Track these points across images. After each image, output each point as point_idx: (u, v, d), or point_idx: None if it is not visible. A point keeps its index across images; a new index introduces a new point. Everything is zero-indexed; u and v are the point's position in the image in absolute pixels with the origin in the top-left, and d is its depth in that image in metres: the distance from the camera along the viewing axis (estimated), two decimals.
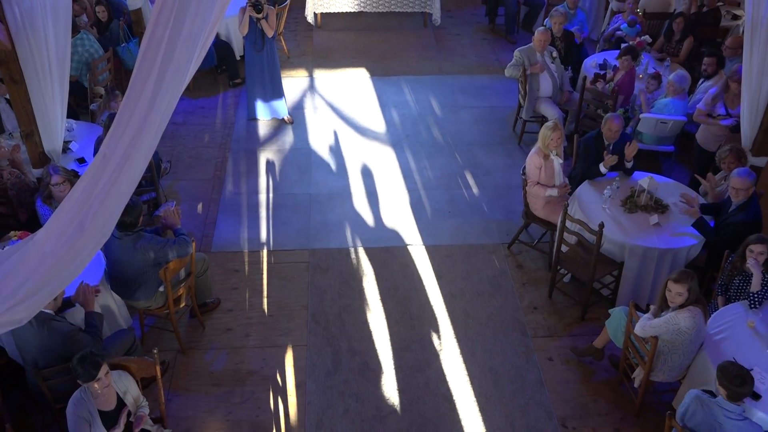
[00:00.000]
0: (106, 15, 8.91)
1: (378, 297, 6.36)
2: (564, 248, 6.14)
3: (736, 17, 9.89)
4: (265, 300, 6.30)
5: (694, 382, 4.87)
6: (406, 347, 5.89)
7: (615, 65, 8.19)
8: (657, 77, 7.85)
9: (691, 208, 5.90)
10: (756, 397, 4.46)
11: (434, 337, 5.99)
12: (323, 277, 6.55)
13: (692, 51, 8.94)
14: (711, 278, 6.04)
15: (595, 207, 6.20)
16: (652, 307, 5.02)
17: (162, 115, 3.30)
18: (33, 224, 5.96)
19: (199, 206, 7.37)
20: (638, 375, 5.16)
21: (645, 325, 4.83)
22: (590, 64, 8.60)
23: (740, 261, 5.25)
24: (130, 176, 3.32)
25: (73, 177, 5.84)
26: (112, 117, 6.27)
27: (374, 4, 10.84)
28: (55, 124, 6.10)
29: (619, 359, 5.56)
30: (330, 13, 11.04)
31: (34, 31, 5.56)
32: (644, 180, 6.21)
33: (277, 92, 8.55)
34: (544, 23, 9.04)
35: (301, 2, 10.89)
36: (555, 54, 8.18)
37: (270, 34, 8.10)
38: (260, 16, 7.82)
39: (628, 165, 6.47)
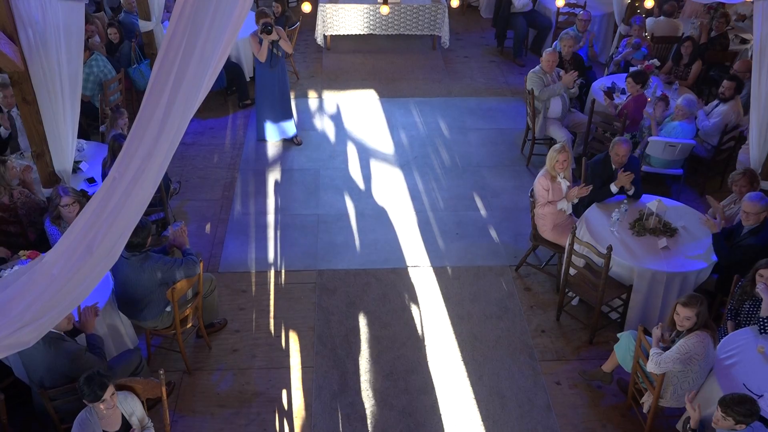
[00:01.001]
0: (117, 36, 9.02)
1: (385, 319, 6.34)
2: (572, 271, 6.11)
3: (744, 41, 9.92)
4: (272, 321, 6.29)
5: (703, 407, 4.81)
6: (413, 369, 5.85)
7: (623, 88, 8.21)
8: (664, 99, 7.86)
9: (714, 220, 5.87)
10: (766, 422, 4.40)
11: (441, 359, 5.96)
12: (330, 299, 6.54)
13: (700, 74, 8.96)
14: (721, 303, 5.99)
15: (603, 230, 6.18)
16: (655, 330, 4.95)
17: (172, 139, 3.32)
18: (42, 244, 5.99)
19: (207, 226, 7.39)
20: (647, 400, 5.10)
21: (659, 361, 4.75)
22: (599, 87, 8.62)
23: (750, 285, 5.21)
24: (139, 199, 3.34)
25: (82, 197, 5.87)
26: (116, 138, 6.35)
27: (383, 27, 10.93)
28: (65, 144, 6.14)
29: (627, 384, 5.50)
30: (339, 35, 11.13)
31: (46, 53, 5.62)
32: (653, 203, 6.19)
33: (287, 113, 8.61)
34: (553, 45, 9.09)
35: (310, 25, 11.00)
36: (562, 74, 8.20)
37: (289, 50, 8.17)
38: (274, 38, 7.89)
39: (629, 192, 6.46)
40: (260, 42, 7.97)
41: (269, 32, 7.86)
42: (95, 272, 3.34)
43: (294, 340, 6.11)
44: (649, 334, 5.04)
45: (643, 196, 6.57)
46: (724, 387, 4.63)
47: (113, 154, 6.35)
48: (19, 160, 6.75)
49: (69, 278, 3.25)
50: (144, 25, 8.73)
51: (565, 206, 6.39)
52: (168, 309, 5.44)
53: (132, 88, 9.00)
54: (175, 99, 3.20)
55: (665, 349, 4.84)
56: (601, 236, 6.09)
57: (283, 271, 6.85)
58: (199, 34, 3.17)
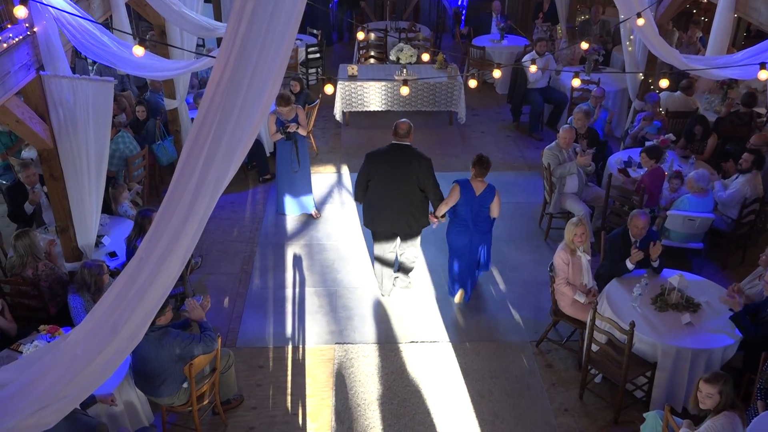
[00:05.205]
0: (144, 114, 9.29)
1: (404, 395, 6.23)
2: (594, 347, 6.00)
3: (759, 115, 10.00)
4: (288, 397, 6.20)
5: None
6: None
7: (639, 162, 8.27)
8: (678, 176, 7.88)
9: (732, 299, 5.78)
10: None
11: None
12: (348, 374, 6.46)
13: (717, 148, 9.00)
14: (749, 381, 5.83)
15: (624, 305, 6.11)
16: (685, 423, 4.80)
17: (200, 220, 3.39)
18: (62, 318, 6.03)
19: (226, 300, 7.40)
20: None
21: None
22: (615, 161, 8.69)
23: None
24: (164, 280, 3.37)
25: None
26: (144, 214, 6.45)
27: (401, 104, 11.17)
28: (89, 219, 6.26)
29: None
30: (358, 111, 11.39)
31: (75, 131, 5.80)
32: (674, 278, 6.13)
33: (306, 188, 8.74)
34: (568, 121, 9.22)
35: (330, 101, 11.27)
36: (579, 150, 8.29)
37: (305, 133, 8.39)
38: (291, 131, 8.16)
39: (654, 264, 6.42)
40: (277, 123, 8.18)
41: (288, 136, 8.17)
42: (119, 353, 3.34)
43: (311, 417, 6.00)
44: (677, 414, 4.90)
45: (664, 270, 6.51)
46: None
47: (141, 229, 6.44)
48: (43, 234, 6.88)
49: (92, 359, 3.25)
50: (169, 103, 9.01)
51: (582, 300, 6.32)
52: (185, 385, 5.39)
53: (155, 164, 9.21)
54: (204, 181, 3.28)
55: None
56: (623, 312, 6.01)
57: (300, 346, 6.80)
58: (229, 120, 3.28)
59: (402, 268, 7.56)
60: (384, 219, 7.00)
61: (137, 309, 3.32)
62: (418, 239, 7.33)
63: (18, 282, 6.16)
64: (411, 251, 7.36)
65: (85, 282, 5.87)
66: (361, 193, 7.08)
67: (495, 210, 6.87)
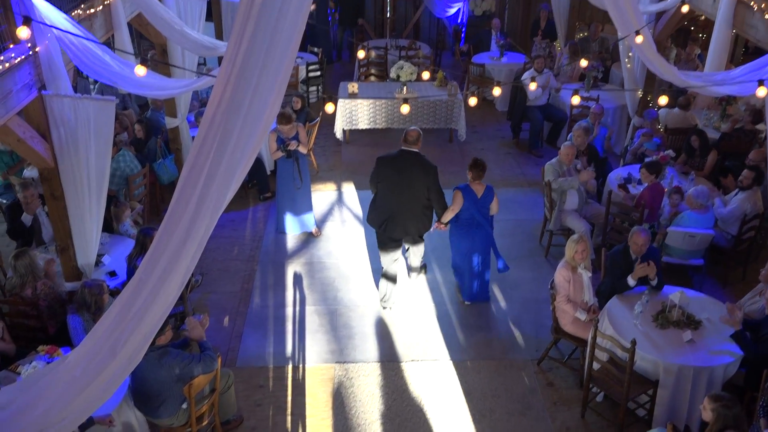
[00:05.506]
0: (142, 133, 9.30)
1: (405, 414, 6.19)
2: (596, 365, 5.97)
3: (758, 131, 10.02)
4: (288, 417, 6.17)
5: None
6: None
7: (639, 179, 8.28)
8: (678, 191, 7.88)
9: (731, 318, 5.76)
10: None
11: None
12: (348, 394, 6.42)
13: (716, 164, 9.01)
14: (751, 398, 5.79)
15: (626, 322, 6.09)
16: None
17: (200, 240, 3.38)
18: (61, 338, 6.01)
19: (226, 319, 7.38)
20: None
21: None
22: (615, 178, 8.70)
23: None
24: (164, 301, 3.36)
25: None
26: (146, 232, 6.44)
27: (401, 121, 11.20)
28: (90, 239, 6.25)
29: None
30: (358, 129, 11.42)
31: (76, 150, 5.80)
32: (675, 295, 6.12)
33: (307, 206, 8.74)
34: (568, 138, 9.24)
35: (330, 119, 11.30)
36: (579, 167, 8.30)
37: (305, 151, 8.42)
38: (292, 149, 8.21)
39: (653, 283, 6.40)
40: (278, 140, 8.21)
41: (289, 154, 8.24)
42: (118, 374, 3.33)
43: None
44: None
45: (665, 287, 6.50)
46: None
47: (142, 248, 6.43)
48: (43, 254, 6.88)
49: (91, 381, 3.23)
50: (170, 122, 9.04)
51: (583, 317, 6.31)
52: (184, 406, 5.36)
53: (156, 183, 9.22)
54: (204, 200, 3.28)
55: None
56: (624, 329, 5.98)
57: (301, 365, 6.77)
58: (229, 139, 3.29)
59: (412, 269, 7.96)
60: (390, 221, 7.21)
61: (136, 330, 3.31)
62: (422, 246, 7.65)
63: (17, 302, 6.14)
64: (417, 255, 7.74)
65: (85, 302, 5.86)
66: (374, 188, 7.35)
67: (494, 208, 7.31)
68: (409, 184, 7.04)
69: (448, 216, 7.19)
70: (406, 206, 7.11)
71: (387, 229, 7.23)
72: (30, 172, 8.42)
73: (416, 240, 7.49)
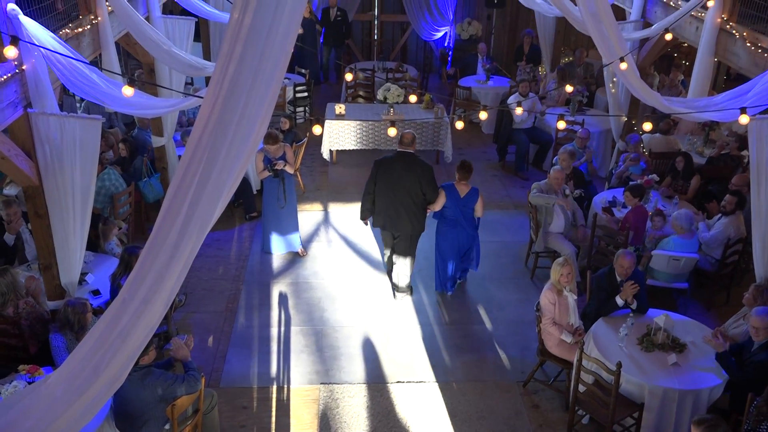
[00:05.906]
0: (126, 152, 9.25)
1: None
2: (581, 388, 5.97)
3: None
4: None
5: None
6: None
7: (624, 202, 8.35)
8: (660, 215, 7.96)
9: (717, 340, 5.78)
10: None
11: None
12: (333, 415, 6.37)
13: (700, 189, 9.11)
14: (736, 422, 5.81)
15: (611, 345, 6.10)
16: None
17: (185, 260, 3.36)
18: (42, 357, 5.92)
19: (210, 339, 7.31)
20: None
21: None
22: (600, 201, 8.77)
23: (765, 405, 5.07)
24: (148, 321, 3.32)
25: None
26: (130, 251, 6.39)
27: (388, 142, 11.23)
28: (74, 257, 6.19)
29: None
30: (345, 150, 11.44)
31: (61, 168, 5.77)
32: (660, 318, 6.15)
33: (293, 226, 8.72)
34: (554, 161, 9.32)
35: (317, 140, 11.32)
36: (567, 192, 8.36)
37: (292, 171, 8.43)
38: (279, 168, 8.25)
39: (632, 306, 6.43)
40: (264, 160, 8.22)
41: (276, 174, 8.31)
42: (100, 395, 3.27)
43: None
44: None
45: (650, 310, 6.53)
46: None
47: (126, 266, 6.37)
48: (26, 272, 6.80)
49: (73, 401, 3.18)
50: (156, 141, 9.02)
51: (569, 340, 6.33)
52: (167, 427, 5.29)
53: (141, 201, 9.17)
54: (190, 220, 3.26)
55: None
56: (610, 352, 6.00)
57: (285, 386, 6.72)
58: (216, 160, 3.28)
59: (397, 289, 8.16)
60: (391, 218, 7.74)
61: (120, 350, 3.26)
62: (410, 260, 7.98)
63: None
64: (404, 274, 8.03)
65: (68, 320, 5.79)
66: (367, 207, 7.89)
67: (479, 210, 7.78)
68: (405, 183, 7.55)
69: (433, 207, 7.72)
70: (402, 203, 7.62)
71: (387, 227, 7.85)
72: (9, 191, 8.32)
73: (411, 234, 7.83)
